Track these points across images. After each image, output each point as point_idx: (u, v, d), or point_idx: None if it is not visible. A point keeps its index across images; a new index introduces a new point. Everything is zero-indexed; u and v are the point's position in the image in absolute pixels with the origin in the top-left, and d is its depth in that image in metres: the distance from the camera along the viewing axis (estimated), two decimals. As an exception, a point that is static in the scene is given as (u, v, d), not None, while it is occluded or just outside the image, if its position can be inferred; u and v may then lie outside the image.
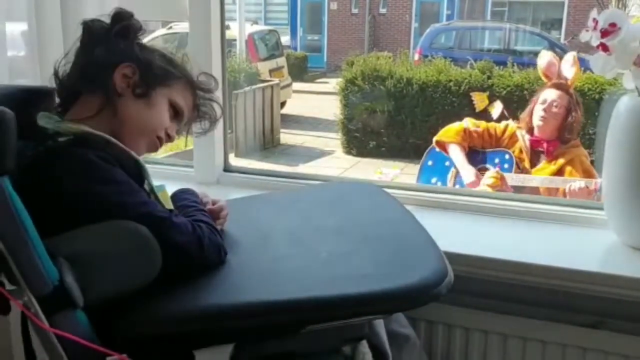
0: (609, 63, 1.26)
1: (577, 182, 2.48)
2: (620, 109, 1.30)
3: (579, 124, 2.74)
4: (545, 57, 2.75)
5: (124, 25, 1.09)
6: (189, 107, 1.17)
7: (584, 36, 1.28)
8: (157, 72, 1.11)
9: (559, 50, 9.16)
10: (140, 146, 1.11)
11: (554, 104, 2.65)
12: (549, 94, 2.67)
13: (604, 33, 1.24)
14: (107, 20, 1.10)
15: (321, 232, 1.15)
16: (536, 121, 2.69)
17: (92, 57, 1.08)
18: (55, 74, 1.11)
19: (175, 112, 1.14)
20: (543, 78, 2.76)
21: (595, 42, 1.25)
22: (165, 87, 1.12)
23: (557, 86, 2.68)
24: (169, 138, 1.15)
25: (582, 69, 6.04)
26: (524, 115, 2.77)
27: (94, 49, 1.08)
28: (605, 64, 1.27)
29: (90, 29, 1.09)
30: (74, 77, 1.09)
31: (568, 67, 2.68)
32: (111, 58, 1.07)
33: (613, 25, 1.23)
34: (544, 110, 2.65)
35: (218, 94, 1.26)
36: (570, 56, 2.74)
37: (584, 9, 11.61)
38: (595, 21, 1.25)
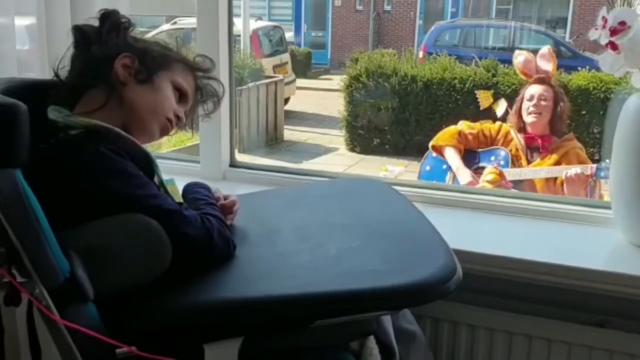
0: (617, 62, 1.26)
1: (572, 169, 2.50)
2: (629, 107, 1.30)
3: (567, 113, 2.78)
4: (520, 56, 2.80)
5: (113, 22, 1.12)
6: (192, 89, 1.18)
7: (593, 34, 1.27)
8: (156, 56, 1.13)
9: (564, 49, 9.16)
10: (153, 130, 1.12)
11: (542, 97, 2.68)
12: (534, 90, 2.71)
13: (613, 31, 1.24)
14: (95, 23, 1.13)
15: (329, 227, 1.15)
16: (527, 118, 2.71)
17: (90, 55, 1.10)
18: (56, 75, 1.12)
19: (180, 95, 1.16)
20: (522, 77, 2.80)
21: (604, 41, 1.25)
22: (166, 70, 1.13)
23: (540, 81, 2.71)
24: (179, 120, 1.16)
25: (588, 67, 6.06)
26: (511, 115, 2.80)
27: (89, 48, 1.10)
28: (614, 63, 1.27)
29: (82, 31, 1.11)
30: (74, 77, 1.11)
31: (545, 61, 2.72)
32: (108, 52, 1.09)
33: (622, 23, 1.23)
34: (534, 105, 2.68)
35: (224, 84, 1.27)
36: (545, 49, 2.80)
37: (590, 8, 11.58)
38: (605, 19, 1.25)
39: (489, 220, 1.53)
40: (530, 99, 2.70)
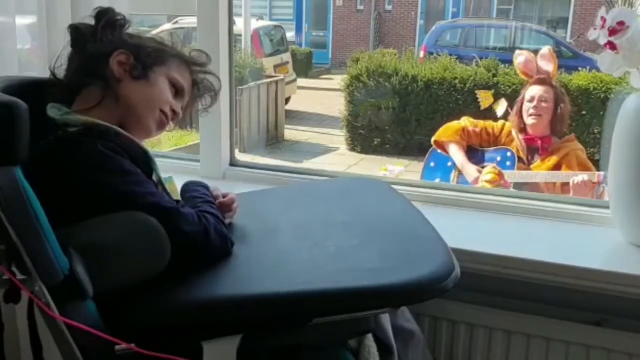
0: (616, 61, 1.27)
1: (579, 176, 2.48)
2: (627, 107, 1.30)
3: (568, 114, 2.75)
4: (521, 56, 2.77)
5: (108, 19, 1.13)
6: (188, 84, 1.19)
7: (592, 34, 1.28)
8: (151, 52, 1.13)
9: (565, 49, 9.15)
10: (150, 125, 1.12)
11: (542, 99, 2.66)
12: (535, 91, 2.69)
13: (612, 31, 1.24)
14: (91, 22, 1.13)
15: (328, 226, 1.16)
16: (527, 119, 2.69)
17: (86, 53, 1.11)
18: (53, 74, 1.13)
19: (177, 90, 1.16)
20: (523, 77, 2.78)
21: (602, 41, 1.25)
22: (161, 65, 1.14)
23: (540, 81, 2.69)
24: (175, 114, 1.16)
25: (588, 67, 6.05)
26: (512, 116, 2.77)
27: (85, 46, 1.11)
28: (612, 63, 1.27)
29: (78, 29, 1.12)
30: (71, 75, 1.12)
31: (545, 61, 2.69)
32: (104, 49, 1.10)
33: (621, 23, 1.23)
34: (535, 107, 2.66)
35: (224, 88, 1.27)
36: (545, 50, 2.76)
37: (590, 8, 11.56)
38: (603, 19, 1.25)
39: (487, 219, 1.53)
40: (531, 100, 2.67)
